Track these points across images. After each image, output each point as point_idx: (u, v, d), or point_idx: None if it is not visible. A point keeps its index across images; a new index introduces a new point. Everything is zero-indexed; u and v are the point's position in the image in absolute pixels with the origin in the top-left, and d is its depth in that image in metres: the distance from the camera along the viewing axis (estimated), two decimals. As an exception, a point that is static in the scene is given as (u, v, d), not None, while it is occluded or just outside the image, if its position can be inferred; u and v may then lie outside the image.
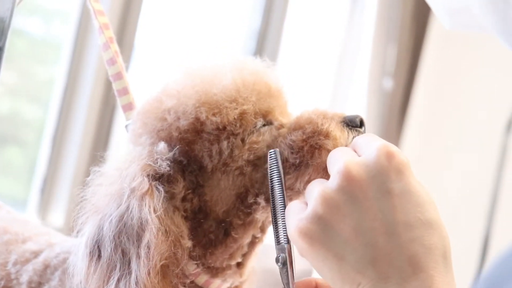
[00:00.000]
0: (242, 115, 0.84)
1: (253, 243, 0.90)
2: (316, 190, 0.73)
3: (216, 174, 0.85)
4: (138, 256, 0.80)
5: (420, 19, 3.05)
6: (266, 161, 0.82)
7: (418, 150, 3.06)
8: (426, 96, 3.09)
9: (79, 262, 0.84)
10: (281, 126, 0.86)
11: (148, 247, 0.79)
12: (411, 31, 3.02)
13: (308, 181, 0.81)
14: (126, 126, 0.93)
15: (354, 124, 0.84)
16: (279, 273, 0.78)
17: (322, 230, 0.71)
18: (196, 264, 0.87)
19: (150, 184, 0.82)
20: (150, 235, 0.79)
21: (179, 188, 0.84)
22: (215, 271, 0.89)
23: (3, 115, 2.23)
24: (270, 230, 0.85)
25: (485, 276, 0.79)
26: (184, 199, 0.85)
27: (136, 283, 0.79)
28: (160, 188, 0.82)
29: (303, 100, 2.74)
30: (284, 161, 0.83)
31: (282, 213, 0.78)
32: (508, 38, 0.86)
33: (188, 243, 0.83)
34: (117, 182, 0.84)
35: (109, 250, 0.81)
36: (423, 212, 0.71)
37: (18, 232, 1.04)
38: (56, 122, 2.12)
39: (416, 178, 0.73)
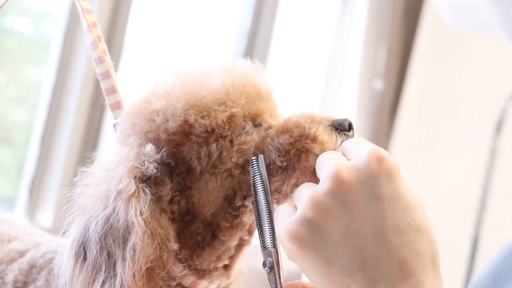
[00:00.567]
0: (231, 118, 0.83)
1: (240, 245, 0.90)
2: (306, 194, 0.72)
3: (205, 176, 0.84)
4: (124, 259, 0.79)
5: (410, 19, 3.06)
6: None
7: (408, 151, 3.06)
8: (416, 96, 3.10)
9: (64, 263, 0.83)
10: (270, 127, 0.86)
11: (134, 250, 0.79)
12: (401, 32, 3.03)
13: (296, 185, 0.81)
14: (114, 126, 0.93)
15: (342, 128, 0.84)
16: (266, 274, 0.78)
17: (311, 233, 0.71)
18: (182, 266, 0.87)
19: (137, 187, 0.82)
20: (136, 238, 0.79)
21: (166, 190, 0.84)
22: (202, 273, 0.88)
23: (-9, 115, 2.22)
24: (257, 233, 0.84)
25: (486, 274, 0.79)
26: (171, 201, 0.84)
27: (121, 285, 0.79)
28: (147, 190, 0.82)
29: (294, 102, 2.74)
30: (271, 163, 0.83)
31: (267, 218, 0.78)
32: None
33: (174, 246, 0.83)
34: (104, 183, 0.84)
35: (94, 252, 0.81)
36: (413, 217, 0.71)
37: (3, 232, 1.03)
38: (45, 122, 2.11)
39: (406, 182, 0.73)
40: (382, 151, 0.73)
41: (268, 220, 0.78)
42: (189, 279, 0.87)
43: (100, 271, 0.81)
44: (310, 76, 3.06)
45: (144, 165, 0.83)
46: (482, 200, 2.86)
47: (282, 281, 0.77)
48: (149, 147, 0.84)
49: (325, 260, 0.71)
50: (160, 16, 2.46)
